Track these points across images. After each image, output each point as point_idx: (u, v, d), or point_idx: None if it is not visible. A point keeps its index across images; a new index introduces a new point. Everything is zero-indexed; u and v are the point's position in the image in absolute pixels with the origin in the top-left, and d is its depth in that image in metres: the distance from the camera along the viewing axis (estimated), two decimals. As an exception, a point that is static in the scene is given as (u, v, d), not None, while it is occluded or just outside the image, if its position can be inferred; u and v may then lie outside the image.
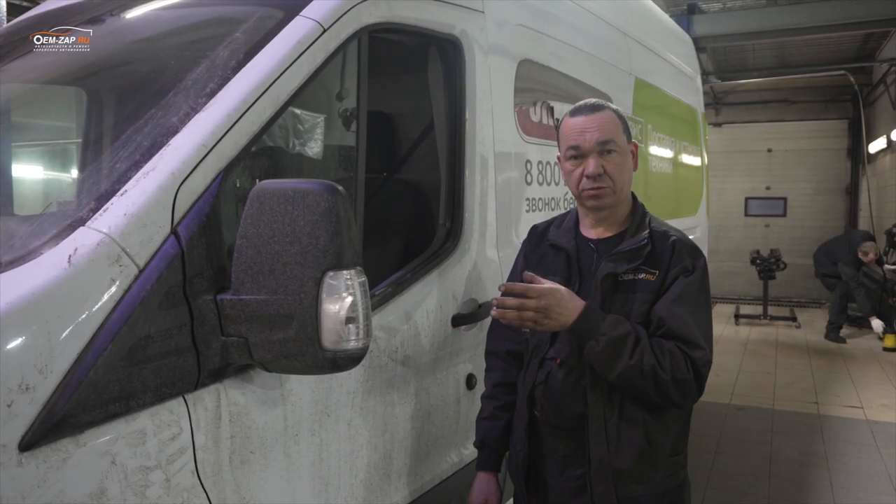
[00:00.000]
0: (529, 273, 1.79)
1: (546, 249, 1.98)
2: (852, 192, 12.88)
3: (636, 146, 1.95)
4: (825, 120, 13.04)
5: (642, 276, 1.79)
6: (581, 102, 1.92)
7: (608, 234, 1.90)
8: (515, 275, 2.06)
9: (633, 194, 1.95)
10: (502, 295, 1.74)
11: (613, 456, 1.78)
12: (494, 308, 1.75)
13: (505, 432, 2.04)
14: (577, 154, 1.84)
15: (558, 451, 1.89)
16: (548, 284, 1.73)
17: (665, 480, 1.84)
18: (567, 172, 1.88)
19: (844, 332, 9.35)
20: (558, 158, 1.94)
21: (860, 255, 9.15)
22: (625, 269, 1.80)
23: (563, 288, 1.74)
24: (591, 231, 1.92)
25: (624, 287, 1.80)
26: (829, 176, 12.75)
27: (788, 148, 13.17)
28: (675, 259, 1.80)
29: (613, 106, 1.92)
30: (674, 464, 1.87)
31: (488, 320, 2.13)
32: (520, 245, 2.13)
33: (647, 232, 1.83)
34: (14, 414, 1.12)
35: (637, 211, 1.91)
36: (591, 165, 1.81)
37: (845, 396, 6.64)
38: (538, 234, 2.05)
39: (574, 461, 1.85)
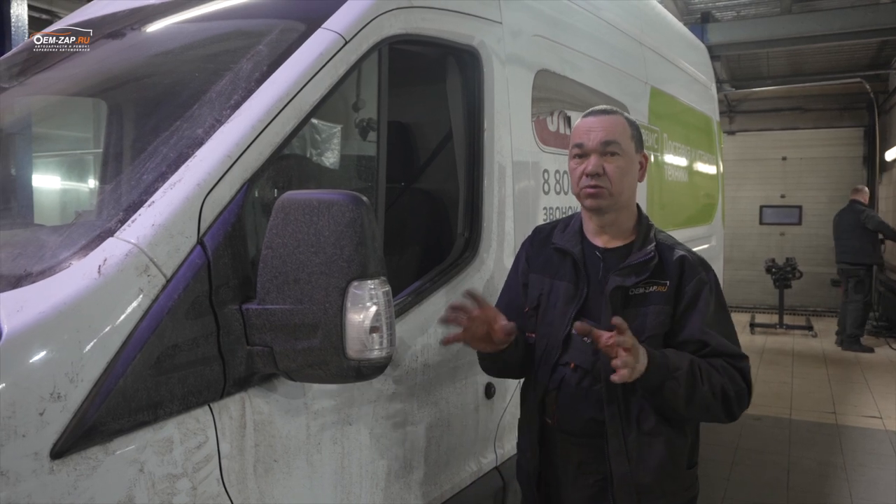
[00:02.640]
0: (618, 319, 1.63)
1: (550, 252, 1.96)
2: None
3: (646, 158, 1.95)
4: (840, 128, 12.95)
5: (654, 288, 1.80)
6: (597, 107, 1.94)
7: (614, 243, 1.90)
8: (516, 276, 2.04)
9: (637, 206, 1.95)
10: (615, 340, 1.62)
11: (635, 471, 1.78)
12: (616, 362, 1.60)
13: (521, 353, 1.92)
14: (580, 153, 1.86)
15: (571, 459, 1.88)
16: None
17: (684, 493, 1.86)
18: (571, 170, 1.90)
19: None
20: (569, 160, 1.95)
21: (853, 195, 9.26)
22: (634, 283, 1.80)
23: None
24: (596, 238, 1.92)
25: (636, 301, 1.81)
26: (844, 184, 12.60)
27: (803, 156, 13.09)
28: (687, 272, 1.81)
29: (628, 115, 1.93)
30: (690, 475, 1.89)
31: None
32: None
33: (653, 245, 1.85)
34: (46, 422, 1.14)
35: (642, 223, 1.92)
36: (590, 163, 1.83)
37: (864, 406, 6.57)
38: (543, 237, 2.03)
39: (588, 468, 1.85)
